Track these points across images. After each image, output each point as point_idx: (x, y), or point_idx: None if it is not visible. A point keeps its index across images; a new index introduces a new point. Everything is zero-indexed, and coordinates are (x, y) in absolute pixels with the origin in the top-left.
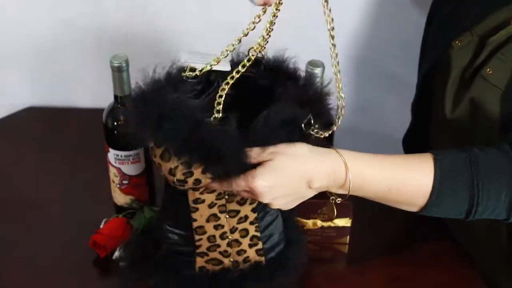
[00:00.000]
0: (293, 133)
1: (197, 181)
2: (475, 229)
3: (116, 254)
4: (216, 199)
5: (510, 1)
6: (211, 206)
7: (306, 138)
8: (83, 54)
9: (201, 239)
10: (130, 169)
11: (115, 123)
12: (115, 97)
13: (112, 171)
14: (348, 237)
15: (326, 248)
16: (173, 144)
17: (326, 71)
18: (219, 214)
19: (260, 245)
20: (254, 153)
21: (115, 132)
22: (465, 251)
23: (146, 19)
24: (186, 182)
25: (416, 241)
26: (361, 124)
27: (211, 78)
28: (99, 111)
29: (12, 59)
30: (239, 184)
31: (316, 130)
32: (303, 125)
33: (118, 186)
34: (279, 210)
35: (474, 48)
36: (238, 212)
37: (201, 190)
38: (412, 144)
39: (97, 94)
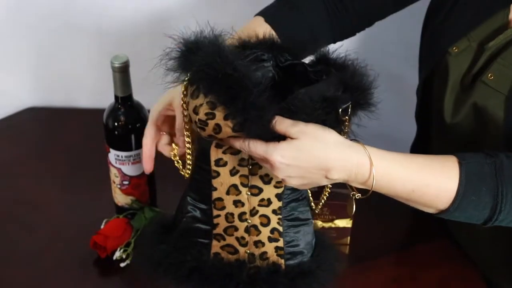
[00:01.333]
0: (330, 113)
1: (218, 126)
2: (475, 230)
3: (117, 254)
4: (239, 165)
5: (504, 5)
6: (232, 172)
7: (339, 123)
8: (83, 55)
9: (219, 215)
10: (130, 170)
11: (116, 124)
12: (116, 97)
13: (113, 171)
14: (348, 237)
15: None
16: (202, 78)
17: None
18: (240, 187)
19: (281, 243)
20: (283, 125)
21: (116, 132)
22: (465, 251)
23: (147, 20)
24: (207, 124)
25: (416, 242)
26: (361, 124)
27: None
28: (99, 111)
29: (13, 59)
30: (258, 150)
31: (347, 122)
32: (340, 110)
33: (118, 186)
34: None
35: (472, 54)
36: (261, 190)
37: (224, 148)
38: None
39: (97, 94)
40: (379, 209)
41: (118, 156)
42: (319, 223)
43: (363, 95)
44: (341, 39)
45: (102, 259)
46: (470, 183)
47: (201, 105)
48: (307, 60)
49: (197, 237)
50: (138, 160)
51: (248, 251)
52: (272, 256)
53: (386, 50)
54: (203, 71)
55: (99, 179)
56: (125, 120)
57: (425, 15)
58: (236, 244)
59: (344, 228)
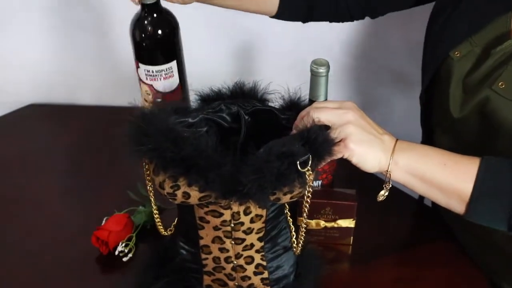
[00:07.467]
0: (288, 168)
1: (186, 194)
2: (477, 232)
3: (119, 248)
4: (221, 225)
5: (505, 11)
6: (216, 228)
7: (301, 175)
8: (85, 52)
9: (207, 258)
10: (163, 86)
11: (143, 35)
12: (142, 5)
13: (144, 88)
14: (351, 238)
15: (329, 248)
16: (155, 159)
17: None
18: (224, 238)
19: (266, 274)
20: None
21: (144, 44)
22: (467, 252)
23: None
24: (176, 195)
25: (419, 242)
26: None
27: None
28: (101, 108)
29: (14, 56)
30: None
31: (309, 172)
32: (298, 162)
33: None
34: (290, 244)
35: (476, 58)
36: (243, 240)
37: (205, 210)
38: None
39: (99, 91)
40: (382, 209)
41: (148, 71)
42: (322, 223)
43: (321, 147)
44: (336, 20)
45: (103, 256)
46: (488, 170)
47: (164, 180)
48: (277, 105)
49: (189, 273)
50: (170, 74)
51: (237, 284)
52: (259, 285)
53: (391, 48)
54: (154, 153)
55: (100, 176)
56: (153, 30)
57: (428, 21)
58: (225, 278)
59: (347, 228)
